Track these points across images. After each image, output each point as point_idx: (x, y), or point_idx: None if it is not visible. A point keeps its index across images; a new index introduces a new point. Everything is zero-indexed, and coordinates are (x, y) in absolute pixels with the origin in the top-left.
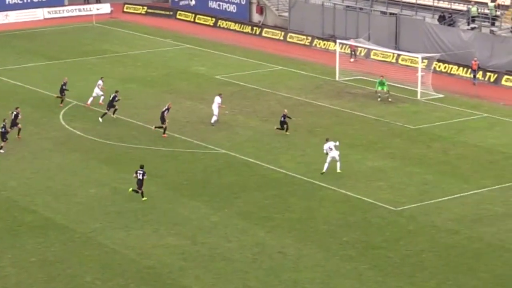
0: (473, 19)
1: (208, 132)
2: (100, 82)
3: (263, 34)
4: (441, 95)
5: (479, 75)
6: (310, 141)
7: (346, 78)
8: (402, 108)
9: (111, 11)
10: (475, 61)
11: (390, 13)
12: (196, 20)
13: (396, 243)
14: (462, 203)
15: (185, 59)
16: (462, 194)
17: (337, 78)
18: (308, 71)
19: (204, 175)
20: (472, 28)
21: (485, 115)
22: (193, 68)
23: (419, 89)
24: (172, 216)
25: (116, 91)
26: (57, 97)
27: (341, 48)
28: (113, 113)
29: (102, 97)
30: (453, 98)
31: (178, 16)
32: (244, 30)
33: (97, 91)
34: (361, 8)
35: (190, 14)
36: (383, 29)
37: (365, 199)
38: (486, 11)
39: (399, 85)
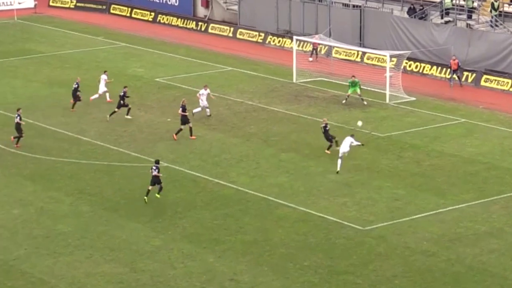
0: (447, 11)
1: (148, 143)
2: (103, 76)
3: (210, 30)
4: (412, 98)
5: (455, 74)
6: (265, 152)
7: (305, 80)
8: (369, 113)
9: (35, 5)
10: (454, 59)
11: (354, 6)
12: (133, 15)
13: (364, 267)
14: (438, 221)
15: (121, 60)
16: (438, 211)
17: (294, 80)
18: (261, 72)
19: (144, 192)
20: (447, 22)
21: (463, 120)
22: (129, 70)
23: (387, 92)
24: (107, 240)
25: (125, 87)
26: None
27: (299, 46)
28: (127, 113)
29: (107, 94)
30: (426, 102)
31: (112, 11)
32: (188, 26)
33: (102, 87)
34: (320, 0)
35: (125, 8)
36: (346, 23)
37: (328, 217)
38: (462, 2)
39: (365, 87)
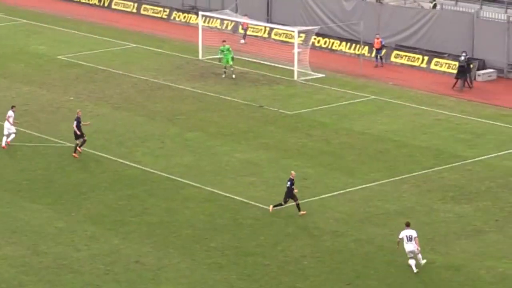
0: None
1: (51, 122)
2: None
3: (113, 6)
4: (321, 75)
5: (365, 50)
6: (170, 131)
7: (211, 57)
8: (277, 91)
9: None
10: (378, 38)
11: None
12: None
13: (272, 248)
14: (348, 200)
15: (21, 37)
16: (348, 190)
17: (200, 57)
18: (167, 49)
19: (46, 173)
20: None
21: (373, 97)
22: (31, 48)
23: (295, 68)
24: (9, 222)
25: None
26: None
27: (205, 22)
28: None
29: None
30: (335, 78)
31: None
32: (91, 2)
33: None
34: None
35: None
36: None
37: (236, 197)
38: None
39: (272, 64)
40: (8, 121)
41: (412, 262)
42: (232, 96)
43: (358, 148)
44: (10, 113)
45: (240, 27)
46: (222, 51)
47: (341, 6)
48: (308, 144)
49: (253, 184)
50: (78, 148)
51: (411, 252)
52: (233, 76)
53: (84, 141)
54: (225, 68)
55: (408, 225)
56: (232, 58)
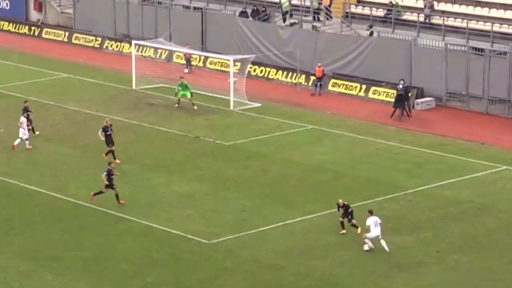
0: (291, 13)
1: None
2: None
3: (44, 35)
4: (257, 104)
5: (302, 79)
6: (104, 163)
7: (145, 87)
8: (213, 121)
9: None
10: (320, 66)
11: (195, 8)
12: None
13: (210, 283)
14: (287, 233)
15: None
16: (287, 222)
17: (134, 87)
18: (99, 78)
19: None
20: (292, 24)
21: (310, 127)
22: None
23: (231, 98)
24: None
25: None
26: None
27: (138, 51)
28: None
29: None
30: (272, 108)
31: None
32: (21, 31)
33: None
34: (159, 2)
35: None
36: (187, 27)
37: (172, 231)
38: (308, 3)
39: (207, 93)
40: (22, 127)
41: (383, 242)
42: (167, 127)
43: (297, 179)
44: (22, 119)
45: (174, 55)
46: (180, 86)
47: (277, 34)
48: (245, 175)
49: (190, 217)
50: (105, 155)
51: (380, 236)
52: (195, 107)
53: (111, 150)
54: (178, 100)
55: (371, 213)
56: (191, 94)
